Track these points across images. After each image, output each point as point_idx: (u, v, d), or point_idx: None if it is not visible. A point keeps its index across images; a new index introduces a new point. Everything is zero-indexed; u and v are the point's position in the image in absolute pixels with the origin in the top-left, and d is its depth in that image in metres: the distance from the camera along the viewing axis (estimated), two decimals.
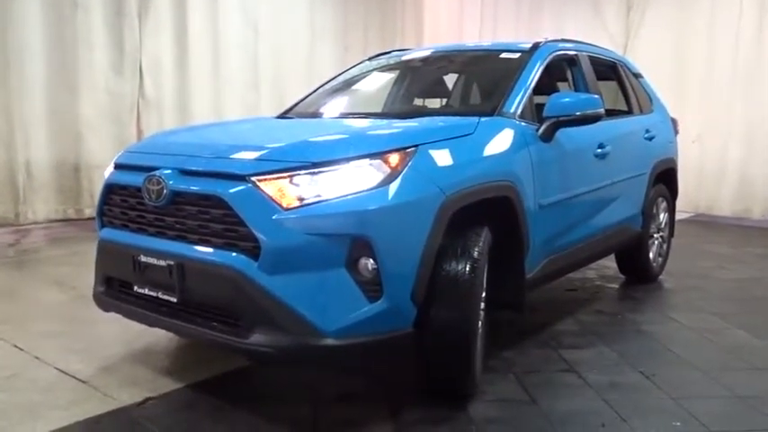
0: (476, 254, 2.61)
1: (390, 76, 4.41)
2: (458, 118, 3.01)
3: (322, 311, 2.32)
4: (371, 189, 2.36)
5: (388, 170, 2.42)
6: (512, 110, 3.20)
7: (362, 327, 2.35)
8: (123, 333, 3.42)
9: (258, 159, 2.44)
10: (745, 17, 7.82)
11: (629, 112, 4.57)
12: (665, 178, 4.85)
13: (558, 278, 3.73)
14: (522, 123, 3.18)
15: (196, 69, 7.81)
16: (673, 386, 2.95)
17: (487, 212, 2.81)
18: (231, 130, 3.17)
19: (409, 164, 2.46)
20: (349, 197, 2.34)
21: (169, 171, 2.57)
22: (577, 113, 3.25)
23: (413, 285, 2.44)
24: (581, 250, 3.71)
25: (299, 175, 2.37)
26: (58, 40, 6.72)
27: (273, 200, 2.33)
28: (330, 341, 2.32)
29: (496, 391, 2.86)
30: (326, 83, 4.31)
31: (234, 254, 2.37)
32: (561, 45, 3.89)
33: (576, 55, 3.98)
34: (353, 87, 4.22)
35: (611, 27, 8.79)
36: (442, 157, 2.61)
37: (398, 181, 2.40)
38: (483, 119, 2.99)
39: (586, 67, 4.01)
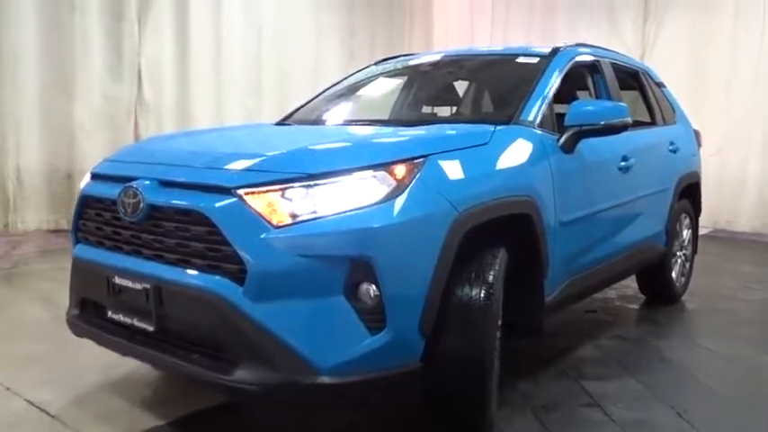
0: (491, 278, 2.32)
1: (397, 82, 4.13)
2: (471, 126, 2.72)
3: (316, 345, 2.02)
4: (374, 204, 2.07)
5: (394, 183, 2.13)
6: (530, 118, 2.91)
7: (363, 362, 2.06)
8: (103, 357, 3.09)
9: (246, 170, 2.15)
10: None
11: (653, 123, 4.28)
12: (689, 193, 4.54)
13: (579, 301, 3.42)
14: (542, 133, 2.89)
15: (196, 74, 7.55)
16: (707, 425, 2.64)
17: (504, 231, 2.51)
18: (222, 138, 2.89)
19: (417, 176, 2.17)
20: (349, 213, 2.05)
21: (147, 182, 2.29)
22: (602, 123, 2.96)
23: (421, 314, 2.14)
24: (603, 271, 3.40)
25: (292, 188, 2.08)
26: (54, 42, 6.48)
27: (262, 216, 2.04)
28: (325, 379, 2.02)
29: (514, 429, 2.56)
30: (329, 88, 4.04)
31: (216, 277, 2.08)
32: (582, 50, 3.60)
33: (597, 61, 3.69)
34: (358, 93, 3.94)
35: (628, 37, 8.49)
36: (454, 169, 2.32)
37: (405, 195, 2.11)
38: (499, 127, 2.70)
39: (609, 74, 3.72)
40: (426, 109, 3.93)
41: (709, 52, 8.00)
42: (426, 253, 2.14)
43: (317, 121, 3.55)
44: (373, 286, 2.05)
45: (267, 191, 2.07)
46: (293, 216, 2.05)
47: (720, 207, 7.84)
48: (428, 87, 3.99)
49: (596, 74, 3.67)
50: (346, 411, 2.68)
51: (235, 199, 2.07)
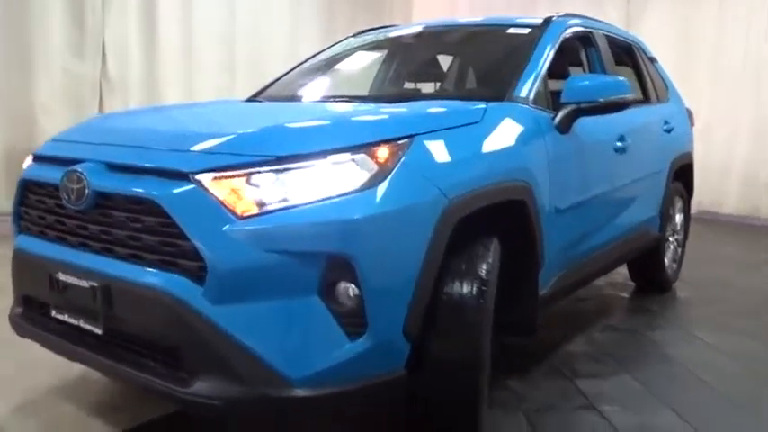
0: (484, 272, 2.08)
1: (377, 56, 3.85)
2: (460, 103, 2.46)
3: (288, 353, 1.77)
4: (353, 192, 1.81)
5: (375, 168, 1.87)
6: (524, 94, 2.66)
7: (341, 371, 1.81)
8: (55, 356, 2.84)
9: (206, 152, 1.87)
10: (758, 8, 7.31)
11: (646, 101, 4.05)
12: (683, 175, 4.34)
13: (572, 293, 3.20)
14: (537, 111, 2.64)
15: (165, 50, 7.16)
16: (712, 429, 2.45)
17: (496, 219, 2.27)
18: (183, 115, 2.59)
19: (402, 159, 1.91)
20: (324, 203, 1.78)
21: (93, 165, 2.00)
22: (601, 99, 2.72)
23: (406, 316, 1.89)
24: (598, 260, 3.18)
25: (259, 173, 1.81)
26: (8, 16, 6.06)
27: (225, 205, 1.77)
28: (298, 392, 1.77)
29: None
30: (304, 62, 3.74)
31: (173, 275, 1.81)
32: (574, 21, 3.34)
33: (590, 33, 3.44)
34: (335, 68, 3.65)
35: (611, 14, 8.24)
36: (444, 151, 2.06)
37: (388, 181, 1.85)
38: (491, 104, 2.44)
39: (603, 47, 3.47)
40: (409, 85, 3.66)
41: (697, 33, 7.78)
42: (413, 247, 1.89)
43: (291, 98, 3.26)
44: (352, 285, 1.80)
45: (230, 176, 1.80)
46: (260, 205, 1.78)
47: (705, 189, 7.68)
48: (411, 61, 3.71)
49: (590, 47, 3.42)
50: (322, 422, 2.44)
51: (193, 186, 1.79)
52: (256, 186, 1.80)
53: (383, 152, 1.90)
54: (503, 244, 2.26)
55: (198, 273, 1.78)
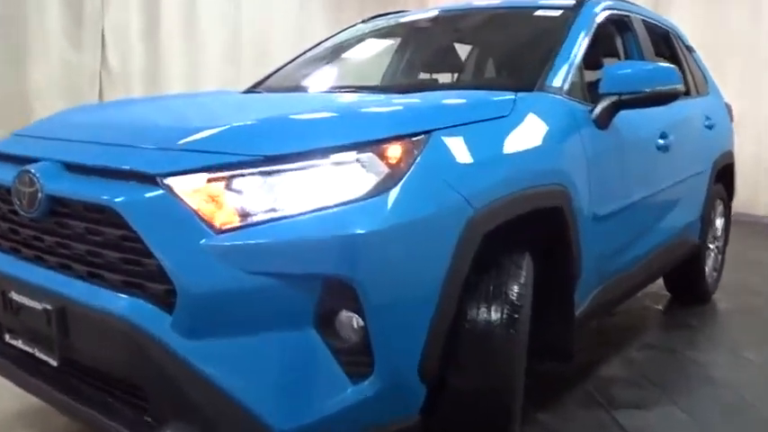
0: (515, 294, 1.74)
1: (390, 43, 3.49)
2: (485, 93, 2.10)
3: (276, 399, 1.43)
4: (358, 200, 1.47)
5: (386, 169, 1.53)
6: (557, 83, 2.29)
7: (341, 421, 1.47)
8: None
9: (178, 150, 1.54)
10: None
11: (686, 94, 3.66)
12: (724, 176, 3.95)
13: (609, 311, 2.84)
14: (572, 102, 2.29)
15: (168, 40, 6.85)
16: None
17: (527, 230, 1.92)
18: (165, 107, 2.25)
19: (418, 160, 1.57)
20: (322, 213, 1.44)
21: (48, 165, 1.68)
22: (646, 90, 2.35)
23: (422, 352, 1.55)
24: (638, 273, 2.82)
25: (242, 175, 1.47)
26: (4, 3, 5.76)
27: (199, 216, 1.44)
28: None
29: None
30: (310, 50, 3.40)
31: (136, 300, 1.48)
32: (609, 3, 2.96)
33: (627, 17, 3.07)
34: (343, 56, 3.30)
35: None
36: (467, 150, 1.71)
37: (401, 187, 1.51)
38: (520, 95, 2.09)
39: (641, 33, 3.10)
40: (424, 76, 3.30)
41: (729, 15, 7.33)
42: (430, 267, 1.55)
43: (293, 89, 2.91)
44: (356, 316, 1.46)
45: (207, 179, 1.46)
46: (244, 216, 1.45)
47: (740, 189, 7.25)
48: (426, 49, 3.35)
49: (627, 32, 3.05)
50: None
51: (160, 191, 1.46)
52: (239, 192, 1.46)
53: (395, 150, 1.56)
54: (534, 258, 1.92)
55: (166, 298, 1.45)
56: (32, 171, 1.65)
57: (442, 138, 1.66)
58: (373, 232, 1.43)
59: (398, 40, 3.47)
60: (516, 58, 2.80)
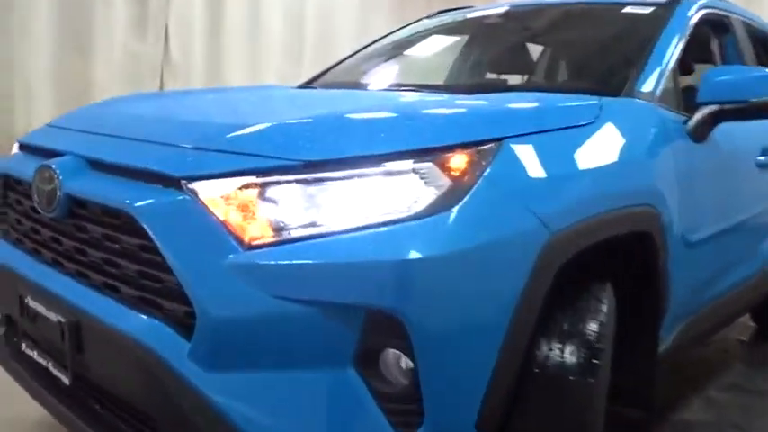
0: (594, 333, 1.47)
1: (455, 40, 3.24)
2: (566, 97, 1.83)
3: None
4: (414, 218, 1.23)
5: (447, 182, 1.28)
6: (648, 89, 2.00)
7: None
8: None
9: (208, 150, 1.33)
10: None
11: None
12: None
13: (693, 347, 2.52)
14: (664, 111, 1.99)
15: (231, 34, 6.79)
16: None
17: (608, 258, 1.65)
18: (205, 102, 2.05)
19: (486, 172, 1.32)
20: (370, 232, 1.22)
21: (71, 161, 1.50)
22: (752, 99, 2.04)
23: (482, 400, 1.30)
24: (728, 305, 2.49)
25: (278, 183, 1.26)
26: None
27: (227, 227, 1.23)
28: None
29: None
30: (370, 45, 3.18)
31: (152, 321, 1.28)
32: (706, 1, 2.63)
33: (727, 17, 2.73)
34: (406, 53, 3.08)
35: None
36: (544, 162, 1.45)
37: (466, 204, 1.27)
38: (606, 100, 1.81)
39: (742, 37, 2.76)
40: (492, 77, 3.03)
41: None
42: (497, 301, 1.30)
43: (350, 85, 2.69)
44: (404, 356, 1.23)
45: (237, 186, 1.25)
46: (278, 230, 1.23)
47: None
48: (495, 47, 3.08)
49: (725, 35, 2.71)
50: None
51: (183, 196, 1.26)
52: (273, 203, 1.25)
53: (459, 160, 1.31)
54: (616, 290, 1.65)
55: (185, 321, 1.25)
56: (52, 167, 1.48)
57: (515, 147, 1.41)
58: (430, 258, 1.19)
59: (465, 37, 3.21)
60: (598, 59, 2.49)
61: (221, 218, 1.23)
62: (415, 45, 3.09)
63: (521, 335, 1.33)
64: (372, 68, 2.92)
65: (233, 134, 1.36)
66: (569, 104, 1.72)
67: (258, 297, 1.19)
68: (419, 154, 1.30)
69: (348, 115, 1.48)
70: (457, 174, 1.29)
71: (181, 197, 1.26)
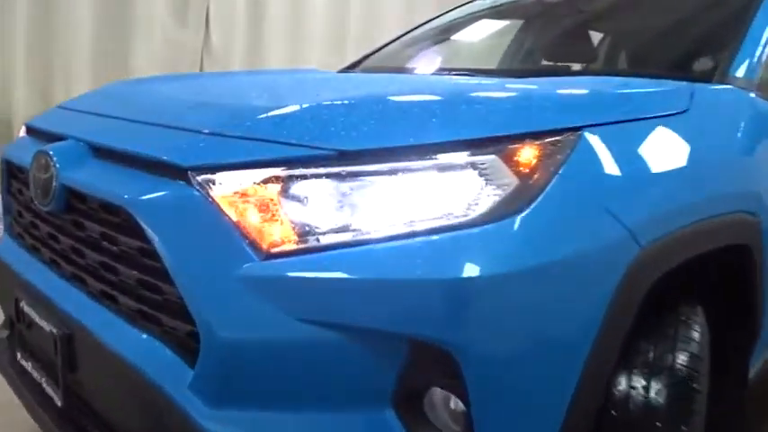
0: (685, 367, 1.20)
1: (511, 24, 2.96)
2: (650, 81, 1.55)
3: None
4: (472, 224, 0.99)
5: (514, 180, 1.03)
6: (744, 74, 1.70)
7: None
8: None
9: (223, 136, 1.10)
10: None
11: None
12: None
13: None
14: (765, 102, 1.69)
15: (273, 22, 6.61)
16: None
17: (699, 274, 1.37)
18: (229, 84, 1.82)
19: (562, 169, 1.06)
20: (416, 241, 0.97)
21: (71, 146, 1.30)
22: None
23: None
24: None
25: (305, 177, 1.02)
26: None
27: (241, 229, 1.00)
28: None
29: None
30: (415, 29, 2.93)
31: (151, 340, 1.07)
32: None
33: None
34: (455, 37, 2.81)
35: None
36: (631, 158, 1.19)
37: (537, 208, 1.01)
38: (697, 86, 1.52)
39: None
40: (553, 61, 2.74)
41: None
42: (574, 330, 1.04)
43: (395, 69, 2.44)
44: (455, 398, 0.98)
45: (256, 179, 1.02)
46: (303, 235, 1.00)
47: None
48: (558, 30, 2.78)
49: None
50: None
51: (190, 190, 1.03)
52: (299, 201, 1.01)
53: (529, 153, 1.06)
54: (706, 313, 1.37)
55: (188, 344, 1.02)
56: (50, 152, 1.28)
57: (596, 138, 1.14)
58: (491, 277, 0.94)
59: (520, 20, 2.93)
60: (681, 39, 2.17)
61: (235, 218, 1.00)
62: (466, 29, 2.82)
63: (599, 373, 1.07)
64: (420, 52, 2.67)
65: (254, 118, 1.12)
66: (658, 90, 1.44)
67: (277, 318, 0.96)
68: (479, 145, 1.05)
69: (392, 98, 1.23)
70: (526, 170, 1.04)
71: (187, 191, 1.03)
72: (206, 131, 1.12)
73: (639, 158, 1.20)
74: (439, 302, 0.93)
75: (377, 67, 2.53)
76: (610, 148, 1.16)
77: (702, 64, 1.78)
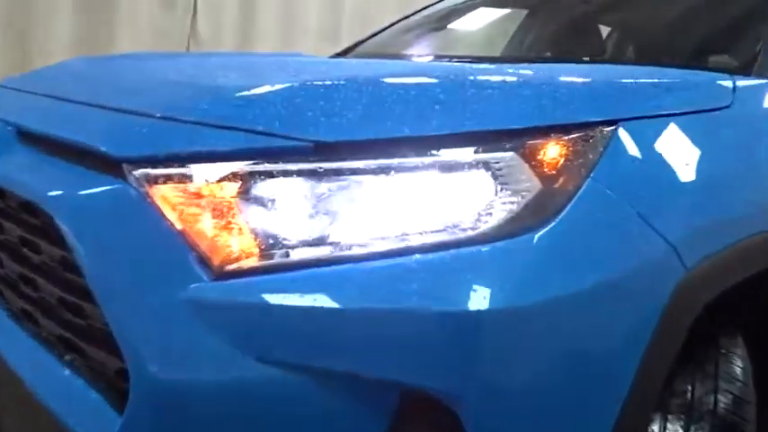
0: (729, 409, 1.01)
1: (512, 14, 2.75)
2: (687, 72, 1.33)
3: None
4: (483, 240, 0.77)
5: (536, 184, 0.82)
6: None
7: None
8: None
9: (172, 120, 0.88)
10: None
11: None
12: None
13: None
14: None
15: (264, 10, 6.38)
16: None
17: (742, 300, 1.16)
18: (203, 65, 1.57)
19: (594, 172, 0.85)
20: (412, 260, 0.75)
21: None
22: None
23: None
24: None
25: (272, 175, 0.80)
26: None
27: (188, 240, 0.78)
28: None
29: None
30: (414, 14, 2.71)
31: (73, 377, 0.84)
32: None
33: None
34: (456, 23, 2.60)
35: None
36: (672, 160, 0.97)
37: (565, 220, 0.80)
38: (739, 79, 1.30)
39: None
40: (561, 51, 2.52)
41: None
42: (608, 377, 0.82)
43: (392, 56, 2.22)
44: None
45: (209, 177, 0.80)
46: (269, 248, 0.78)
47: None
48: (565, 17, 2.56)
49: None
50: None
51: (125, 188, 0.81)
52: (264, 205, 0.80)
53: (554, 151, 0.84)
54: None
55: (116, 383, 0.80)
56: None
57: (633, 134, 0.93)
58: (506, 311, 0.72)
59: (521, 10, 2.71)
60: (711, 27, 1.96)
61: (179, 225, 0.78)
62: (467, 15, 2.61)
63: (640, 417, 0.86)
64: (419, 38, 2.46)
65: (211, 99, 0.90)
66: (698, 80, 1.23)
67: (229, 356, 0.74)
68: (493, 139, 0.83)
69: (385, 79, 1.01)
70: (551, 171, 0.82)
71: (120, 189, 0.81)
72: (150, 115, 0.90)
73: (682, 160, 0.99)
74: (438, 342, 0.72)
75: (372, 52, 2.30)
76: (649, 147, 0.95)
77: (738, 55, 1.56)
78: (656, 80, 1.15)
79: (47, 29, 5.27)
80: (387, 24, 2.88)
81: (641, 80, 1.13)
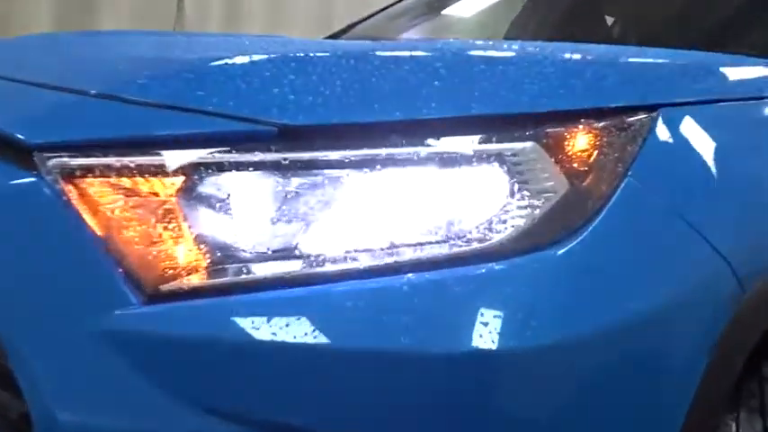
0: None
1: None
2: (729, 56, 1.15)
3: None
4: (496, 255, 0.59)
5: (562, 183, 0.64)
6: None
7: None
8: None
9: (100, 99, 0.69)
10: None
11: None
12: None
13: None
14: None
15: None
16: None
17: None
18: (162, 42, 1.36)
19: (632, 168, 0.67)
20: (404, 279, 0.58)
21: None
22: None
23: None
24: None
25: (226, 167, 0.62)
26: None
27: (113, 251, 0.60)
28: None
29: None
30: None
31: None
32: None
33: None
34: (456, 8, 2.44)
35: None
36: (720, 153, 0.79)
37: (598, 229, 0.62)
38: None
39: None
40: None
41: None
42: (654, 413, 0.65)
43: (386, 38, 2.04)
44: None
45: (142, 171, 0.62)
46: (219, 262, 0.60)
47: None
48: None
49: None
50: None
51: (36, 182, 0.63)
52: (213, 207, 0.62)
53: (585, 141, 0.67)
54: None
55: (21, 428, 0.63)
56: None
57: (677, 122, 0.76)
58: (529, 351, 0.55)
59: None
60: (740, 10, 1.77)
61: (102, 231, 0.60)
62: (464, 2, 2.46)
63: None
64: (420, 21, 2.30)
65: (153, 74, 0.72)
66: (741, 66, 1.05)
67: (167, 404, 0.57)
68: (507, 125, 0.66)
69: (373, 52, 0.83)
70: (582, 167, 0.65)
71: (31, 184, 0.63)
72: (82, 93, 0.71)
73: (731, 154, 0.82)
74: (438, 396, 0.54)
75: (370, 36, 2.13)
76: (697, 137, 0.78)
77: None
78: (698, 60, 0.98)
79: (29, 13, 5.12)
80: (383, 6, 2.71)
81: (683, 60, 0.95)
